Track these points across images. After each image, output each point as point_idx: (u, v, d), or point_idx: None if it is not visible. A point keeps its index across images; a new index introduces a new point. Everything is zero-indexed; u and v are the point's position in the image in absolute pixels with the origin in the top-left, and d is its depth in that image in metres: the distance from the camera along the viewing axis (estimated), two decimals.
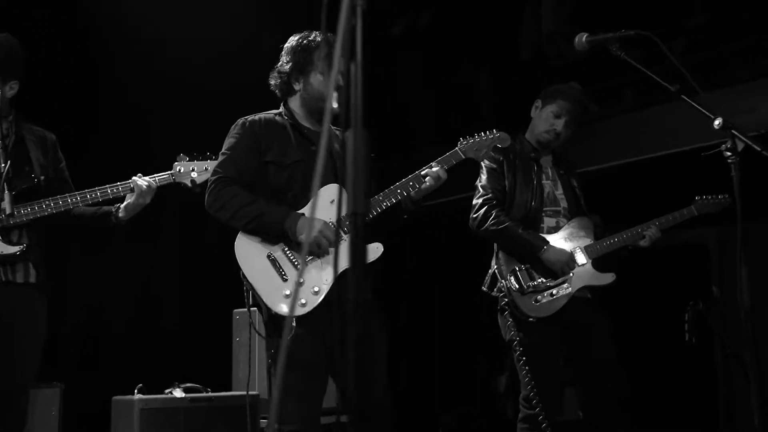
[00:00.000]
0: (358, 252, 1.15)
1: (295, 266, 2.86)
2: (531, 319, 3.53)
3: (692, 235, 3.58)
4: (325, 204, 2.93)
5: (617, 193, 6.05)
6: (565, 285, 3.61)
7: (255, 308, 2.93)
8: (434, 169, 3.02)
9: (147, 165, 3.38)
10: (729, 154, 2.40)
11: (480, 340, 5.01)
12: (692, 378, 5.61)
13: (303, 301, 2.80)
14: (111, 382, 4.73)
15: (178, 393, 4.30)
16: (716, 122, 2.45)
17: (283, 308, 2.80)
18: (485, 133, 3.20)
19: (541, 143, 3.77)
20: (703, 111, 2.54)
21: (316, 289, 2.82)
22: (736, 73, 5.71)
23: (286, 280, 2.85)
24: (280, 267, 2.87)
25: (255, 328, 2.89)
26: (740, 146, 2.41)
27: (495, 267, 3.69)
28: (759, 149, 2.38)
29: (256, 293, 2.85)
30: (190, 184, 3.32)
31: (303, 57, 3.01)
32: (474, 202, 3.69)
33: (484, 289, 3.74)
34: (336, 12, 1.17)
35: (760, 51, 5.68)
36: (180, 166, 3.34)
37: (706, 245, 5.30)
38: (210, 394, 4.46)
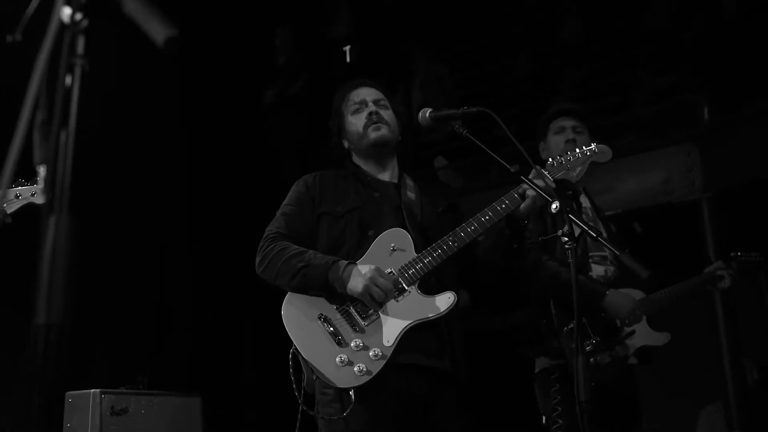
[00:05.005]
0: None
1: (353, 327, 2.48)
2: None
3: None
4: (385, 252, 2.59)
5: None
6: (627, 343, 3.03)
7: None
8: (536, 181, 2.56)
9: None
10: (566, 239, 2.31)
11: None
12: None
13: (362, 368, 2.41)
14: None
15: None
16: (553, 206, 2.36)
17: (342, 379, 2.40)
18: (579, 149, 2.77)
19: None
20: (542, 194, 2.46)
21: (377, 353, 2.44)
22: None
23: (342, 344, 2.45)
24: (335, 329, 2.48)
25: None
26: (577, 232, 2.33)
27: (545, 323, 3.06)
28: (594, 235, 2.31)
29: (310, 364, 2.43)
30: None
31: (335, 117, 2.97)
32: (514, 246, 3.08)
33: (526, 352, 3.15)
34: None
35: (616, 132, 5.88)
36: None
37: None
38: None
